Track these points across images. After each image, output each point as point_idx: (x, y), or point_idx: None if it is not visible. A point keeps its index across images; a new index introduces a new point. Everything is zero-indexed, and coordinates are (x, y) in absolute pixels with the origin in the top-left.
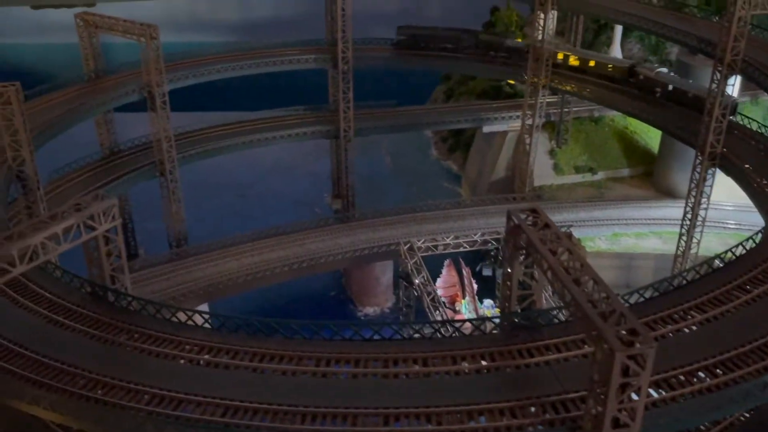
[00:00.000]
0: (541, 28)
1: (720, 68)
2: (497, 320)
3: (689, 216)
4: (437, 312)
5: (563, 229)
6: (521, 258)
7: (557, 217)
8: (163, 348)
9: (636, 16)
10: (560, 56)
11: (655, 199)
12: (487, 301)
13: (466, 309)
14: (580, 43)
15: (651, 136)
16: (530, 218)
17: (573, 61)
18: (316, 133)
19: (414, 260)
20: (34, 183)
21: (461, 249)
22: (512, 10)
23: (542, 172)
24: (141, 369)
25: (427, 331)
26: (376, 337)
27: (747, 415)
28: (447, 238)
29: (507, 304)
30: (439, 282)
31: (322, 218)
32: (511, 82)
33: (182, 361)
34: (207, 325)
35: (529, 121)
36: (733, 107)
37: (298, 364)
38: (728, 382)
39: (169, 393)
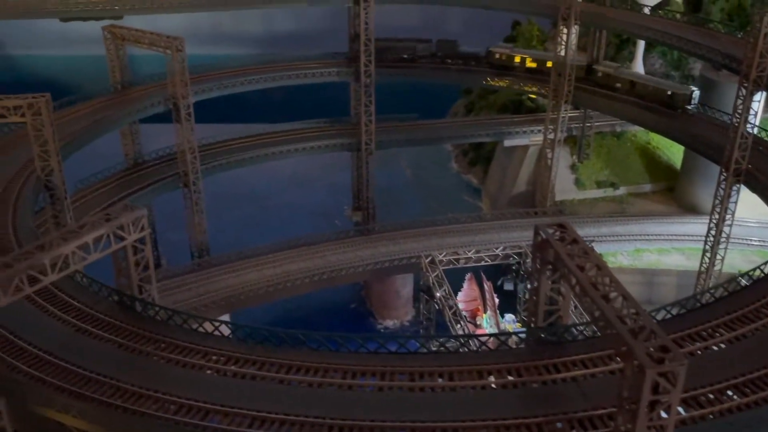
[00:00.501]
0: (564, 42)
1: (745, 84)
2: (523, 335)
3: (713, 232)
4: (459, 326)
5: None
6: (548, 273)
7: (578, 232)
8: (189, 358)
9: (659, 31)
10: (517, 59)
11: (678, 214)
12: (509, 316)
13: (487, 323)
14: (602, 58)
15: (673, 152)
16: (558, 233)
17: (530, 63)
18: (338, 146)
19: (435, 273)
20: (62, 193)
21: (482, 263)
22: (533, 24)
23: (564, 186)
24: (168, 379)
25: (452, 345)
26: (401, 350)
27: None
28: (468, 251)
29: (533, 319)
30: (461, 296)
31: (343, 230)
32: (533, 96)
33: (209, 372)
34: (232, 336)
35: (551, 136)
36: (687, 98)
37: (324, 376)
38: (758, 402)
39: (196, 403)
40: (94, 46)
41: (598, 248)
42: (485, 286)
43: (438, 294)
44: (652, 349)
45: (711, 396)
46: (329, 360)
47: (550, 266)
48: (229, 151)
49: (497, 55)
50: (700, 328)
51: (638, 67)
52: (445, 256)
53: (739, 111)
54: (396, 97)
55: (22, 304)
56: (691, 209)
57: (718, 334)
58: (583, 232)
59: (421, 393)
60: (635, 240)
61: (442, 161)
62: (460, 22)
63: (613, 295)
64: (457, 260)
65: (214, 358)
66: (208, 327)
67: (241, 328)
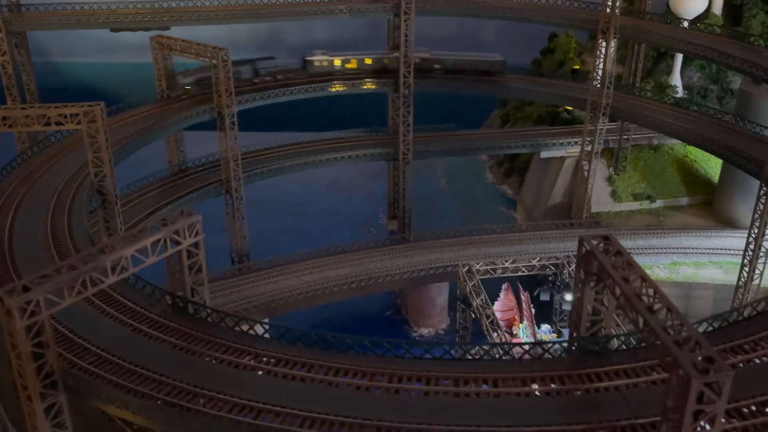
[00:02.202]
0: (603, 56)
1: None
2: (564, 344)
3: (752, 246)
4: (495, 335)
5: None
6: (592, 284)
7: None
8: (241, 359)
9: (698, 45)
10: (337, 62)
11: (715, 228)
12: (545, 326)
13: (523, 333)
14: (641, 71)
15: (711, 165)
16: (602, 245)
17: (350, 65)
18: (376, 156)
19: (473, 282)
20: (113, 198)
21: (519, 273)
22: (571, 37)
23: (600, 198)
24: (221, 378)
25: (495, 352)
26: (446, 356)
27: None
28: (506, 261)
29: (576, 329)
30: (497, 305)
31: (380, 239)
32: (569, 108)
33: (260, 373)
34: (282, 339)
35: (588, 148)
36: (502, 65)
37: (371, 379)
38: None
39: (249, 403)
40: (136, 54)
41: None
42: (522, 296)
43: (475, 303)
44: (698, 360)
45: (753, 408)
46: (376, 364)
47: (594, 277)
48: (270, 159)
49: (316, 63)
50: (742, 341)
51: (676, 80)
52: (482, 265)
53: None
54: (430, 107)
55: (80, 305)
56: (728, 223)
57: (760, 348)
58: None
59: (465, 398)
60: (672, 253)
61: (477, 171)
62: (495, 33)
63: (657, 306)
64: (494, 270)
65: (265, 359)
66: (258, 329)
67: (291, 332)
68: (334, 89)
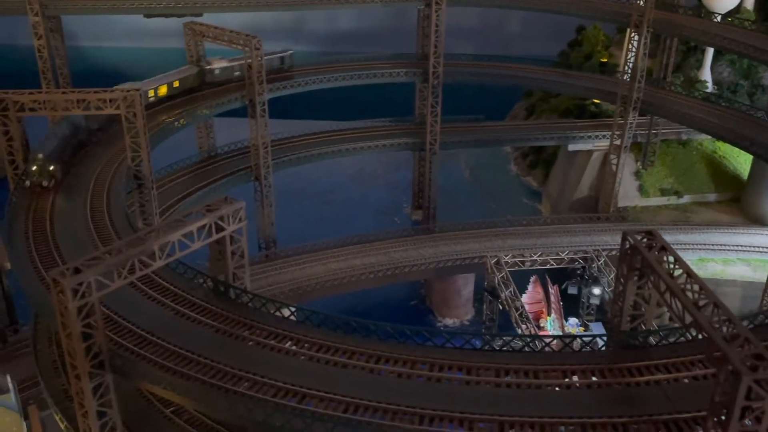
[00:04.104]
0: (634, 49)
1: None
2: (606, 337)
3: None
4: (524, 327)
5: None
6: (635, 279)
7: None
8: (282, 344)
9: (732, 39)
10: (152, 94)
11: (744, 225)
12: (572, 320)
13: (551, 326)
14: (672, 65)
15: (740, 161)
16: (645, 240)
17: (163, 91)
18: (403, 145)
19: (501, 274)
20: (149, 182)
21: (548, 266)
22: (599, 29)
23: (627, 193)
24: (264, 362)
25: (533, 344)
26: (486, 347)
27: None
28: (534, 254)
29: (617, 323)
30: (525, 298)
31: (406, 228)
32: (597, 101)
33: (302, 358)
34: (323, 325)
35: (618, 141)
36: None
37: (413, 367)
38: None
39: (292, 387)
40: (163, 40)
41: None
42: (551, 289)
43: (504, 295)
44: (747, 356)
45: None
46: (416, 353)
47: (636, 272)
48: (299, 147)
49: (216, 71)
50: None
51: (706, 74)
52: (510, 257)
53: None
54: (455, 97)
55: (124, 288)
56: (757, 220)
57: None
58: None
59: (507, 389)
60: (699, 249)
61: (501, 163)
62: (520, 24)
63: (703, 302)
64: (523, 262)
65: (307, 345)
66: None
67: (332, 318)
68: (362, 79)
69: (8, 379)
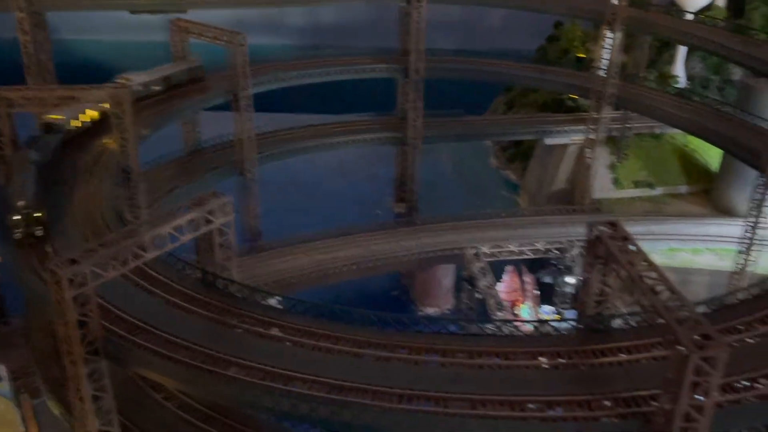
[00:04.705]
0: (609, 46)
1: None
2: (574, 322)
3: (748, 234)
4: (500, 314)
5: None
6: (599, 266)
7: None
8: (269, 331)
9: (702, 37)
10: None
11: (713, 216)
12: (547, 307)
13: (526, 313)
14: (645, 60)
15: (710, 155)
16: (609, 230)
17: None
18: (385, 140)
19: (480, 265)
20: (137, 176)
21: (524, 256)
22: (576, 25)
23: (602, 185)
24: (251, 348)
25: (506, 328)
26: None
27: None
28: (511, 245)
29: (582, 309)
30: (502, 287)
31: (388, 221)
32: (574, 96)
33: (288, 344)
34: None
35: (592, 135)
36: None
37: (393, 351)
38: None
39: (279, 371)
40: (145, 33)
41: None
42: (526, 279)
43: (481, 284)
44: (696, 336)
45: (746, 383)
46: (396, 338)
47: (601, 260)
48: (283, 141)
49: (137, 88)
50: (737, 322)
51: (679, 70)
52: (489, 248)
53: None
54: (435, 92)
55: (116, 279)
56: (726, 211)
57: (753, 328)
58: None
59: (479, 370)
60: (670, 239)
61: (481, 156)
62: (500, 18)
63: (660, 288)
64: (500, 253)
65: (292, 331)
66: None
67: (317, 306)
68: (344, 74)
69: (2, 368)
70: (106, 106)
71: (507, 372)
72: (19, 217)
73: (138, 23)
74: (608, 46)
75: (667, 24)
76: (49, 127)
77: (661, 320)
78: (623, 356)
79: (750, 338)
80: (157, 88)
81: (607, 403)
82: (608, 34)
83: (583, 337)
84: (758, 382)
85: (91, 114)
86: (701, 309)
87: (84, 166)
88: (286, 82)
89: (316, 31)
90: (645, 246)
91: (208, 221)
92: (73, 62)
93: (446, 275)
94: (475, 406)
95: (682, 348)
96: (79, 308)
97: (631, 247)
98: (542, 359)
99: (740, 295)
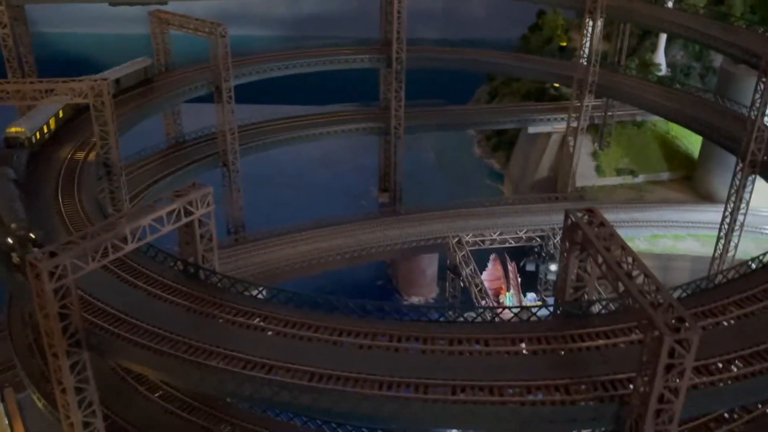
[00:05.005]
0: (589, 33)
1: (764, 79)
2: (552, 308)
3: (728, 220)
4: (484, 302)
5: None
6: (576, 253)
7: None
8: (251, 321)
9: (682, 25)
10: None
11: (694, 203)
12: (530, 295)
13: (510, 301)
14: (626, 48)
15: (692, 142)
16: (586, 217)
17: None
18: (368, 130)
19: (462, 253)
20: (118, 170)
21: (506, 244)
22: (558, 14)
23: (584, 173)
24: (233, 338)
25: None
26: (441, 319)
27: None
28: (494, 233)
29: (561, 295)
30: (485, 275)
31: (372, 211)
32: (556, 85)
33: (269, 333)
34: (290, 302)
35: (574, 124)
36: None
37: (373, 339)
38: (762, 371)
39: (261, 360)
40: (125, 25)
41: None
42: (509, 266)
43: (464, 272)
44: (670, 320)
45: (720, 365)
46: (377, 326)
47: (578, 247)
48: (266, 133)
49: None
50: (713, 306)
51: (660, 58)
52: (471, 237)
53: (757, 105)
54: (418, 82)
55: (98, 271)
56: (707, 198)
57: (728, 312)
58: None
59: (459, 356)
60: (652, 226)
61: (465, 146)
62: (483, 8)
63: (635, 273)
64: (483, 241)
65: (274, 321)
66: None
67: (298, 296)
68: (326, 65)
69: None
70: (86, 100)
71: (487, 358)
72: (12, 240)
73: (118, 16)
74: (589, 34)
75: (647, 12)
76: (12, 142)
77: (637, 305)
78: (601, 341)
79: (725, 321)
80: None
81: (585, 386)
82: (589, 22)
83: (562, 323)
84: (733, 365)
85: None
86: (677, 294)
87: (62, 183)
88: (269, 74)
89: (300, 22)
90: (628, 233)
91: (189, 212)
92: (53, 56)
93: (430, 264)
94: (456, 392)
95: (657, 331)
96: (59, 300)
97: (608, 233)
98: (522, 345)
99: (716, 280)
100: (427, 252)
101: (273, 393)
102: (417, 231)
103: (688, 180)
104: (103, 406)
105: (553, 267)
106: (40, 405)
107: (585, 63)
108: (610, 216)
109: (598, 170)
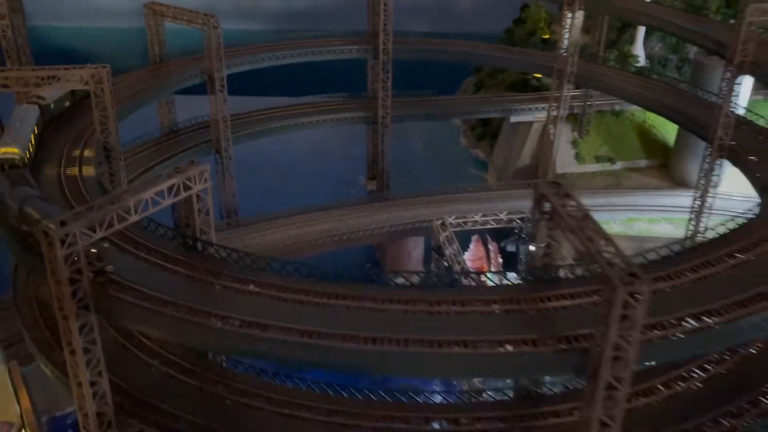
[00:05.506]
0: (567, 25)
1: (730, 68)
2: (523, 272)
3: (698, 202)
4: (466, 281)
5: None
6: (545, 222)
7: None
8: (246, 287)
9: (656, 17)
10: None
11: (670, 188)
12: (511, 275)
13: (491, 281)
14: (604, 41)
15: (668, 130)
16: (553, 189)
17: None
18: (356, 119)
19: (446, 233)
20: (117, 154)
21: (488, 226)
22: (541, 8)
23: (564, 160)
24: (231, 303)
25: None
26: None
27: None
28: (476, 216)
29: (531, 260)
30: (468, 255)
31: (361, 197)
32: (538, 75)
33: (264, 298)
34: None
35: (554, 113)
36: None
37: (360, 302)
38: (711, 326)
39: (256, 320)
40: (118, 19)
41: (593, 216)
42: (490, 247)
43: (448, 252)
44: (624, 275)
45: (673, 321)
46: (363, 291)
47: (546, 215)
48: (257, 122)
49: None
50: (671, 271)
51: (638, 49)
52: (454, 219)
53: (724, 93)
54: (406, 73)
55: (101, 244)
56: (681, 184)
57: (684, 276)
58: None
59: (438, 316)
60: (628, 210)
61: (452, 136)
62: (470, 4)
63: (596, 237)
64: (465, 223)
65: (267, 287)
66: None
67: (290, 264)
68: (316, 55)
69: None
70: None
71: (463, 317)
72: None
73: (111, 9)
74: (568, 26)
75: (624, 4)
76: (8, 163)
77: (596, 264)
78: (567, 302)
79: (681, 284)
80: (66, 103)
81: (551, 340)
82: (568, 14)
83: (532, 286)
84: (685, 321)
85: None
86: (639, 260)
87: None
88: (260, 63)
89: (292, 16)
90: (605, 216)
91: (187, 187)
92: (47, 49)
93: (416, 247)
94: (433, 346)
95: (612, 285)
96: (70, 266)
97: (572, 203)
98: (494, 306)
99: (675, 248)
100: (413, 235)
101: (268, 348)
102: (403, 215)
103: (665, 167)
104: (110, 371)
105: (533, 248)
106: (47, 372)
107: (564, 54)
108: (587, 200)
109: (578, 158)
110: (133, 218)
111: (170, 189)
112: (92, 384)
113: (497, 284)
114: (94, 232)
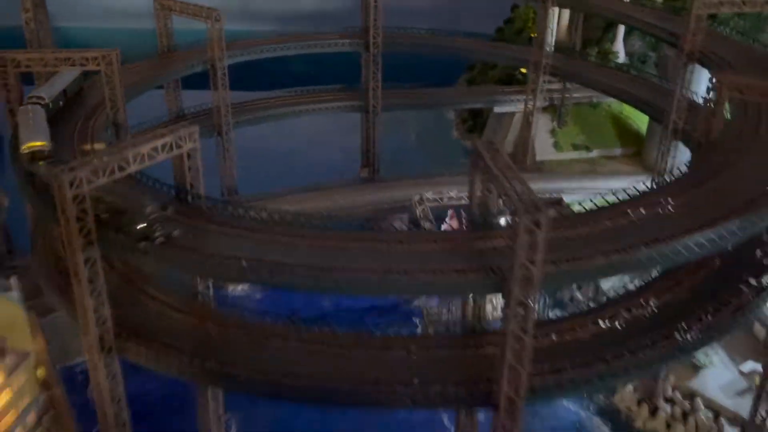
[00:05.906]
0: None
1: (681, 57)
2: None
3: (656, 180)
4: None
5: (555, 195)
6: (480, 175)
7: (554, 186)
8: (237, 230)
9: (630, 16)
10: None
11: (641, 174)
12: None
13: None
14: (580, 38)
15: (641, 120)
16: (487, 147)
17: None
18: (349, 108)
19: (422, 208)
20: (126, 128)
21: (462, 202)
22: (530, 8)
23: (544, 148)
24: (220, 242)
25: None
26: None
27: None
28: (451, 192)
29: (470, 209)
30: (443, 228)
31: (350, 179)
32: (523, 71)
33: (252, 241)
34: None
35: (531, 103)
36: None
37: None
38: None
39: (248, 258)
40: (133, 20)
41: (568, 198)
42: (464, 221)
43: (425, 225)
44: (530, 207)
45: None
46: (328, 235)
47: (481, 169)
48: (256, 109)
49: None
50: (589, 219)
51: (618, 47)
52: (431, 194)
53: (679, 79)
54: (406, 70)
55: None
56: (652, 169)
57: (600, 224)
58: (558, 185)
59: (386, 253)
60: (599, 193)
61: (444, 129)
62: (465, 5)
63: (514, 182)
64: (441, 199)
65: (255, 232)
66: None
67: (273, 213)
68: (310, 48)
69: (14, 279)
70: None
71: (409, 255)
72: (145, 224)
73: (127, 11)
74: (543, 22)
75: (594, 1)
76: (38, 156)
77: (511, 202)
78: (498, 243)
79: (590, 233)
80: (60, 102)
81: (477, 269)
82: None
83: (472, 231)
84: (581, 259)
85: None
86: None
87: None
88: (258, 55)
89: (297, 18)
90: (579, 198)
91: (179, 146)
92: (62, 47)
93: (401, 226)
94: (383, 273)
95: (520, 216)
96: (77, 206)
97: (501, 159)
98: (435, 244)
99: (589, 207)
100: (397, 213)
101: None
102: (388, 195)
103: (638, 155)
104: (112, 307)
105: (501, 221)
106: (59, 308)
107: (547, 49)
108: (563, 184)
109: (556, 146)
110: (132, 168)
111: (164, 146)
112: (95, 310)
113: (443, 231)
114: (98, 178)
